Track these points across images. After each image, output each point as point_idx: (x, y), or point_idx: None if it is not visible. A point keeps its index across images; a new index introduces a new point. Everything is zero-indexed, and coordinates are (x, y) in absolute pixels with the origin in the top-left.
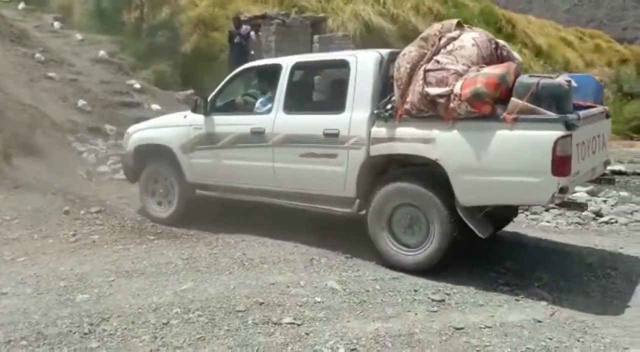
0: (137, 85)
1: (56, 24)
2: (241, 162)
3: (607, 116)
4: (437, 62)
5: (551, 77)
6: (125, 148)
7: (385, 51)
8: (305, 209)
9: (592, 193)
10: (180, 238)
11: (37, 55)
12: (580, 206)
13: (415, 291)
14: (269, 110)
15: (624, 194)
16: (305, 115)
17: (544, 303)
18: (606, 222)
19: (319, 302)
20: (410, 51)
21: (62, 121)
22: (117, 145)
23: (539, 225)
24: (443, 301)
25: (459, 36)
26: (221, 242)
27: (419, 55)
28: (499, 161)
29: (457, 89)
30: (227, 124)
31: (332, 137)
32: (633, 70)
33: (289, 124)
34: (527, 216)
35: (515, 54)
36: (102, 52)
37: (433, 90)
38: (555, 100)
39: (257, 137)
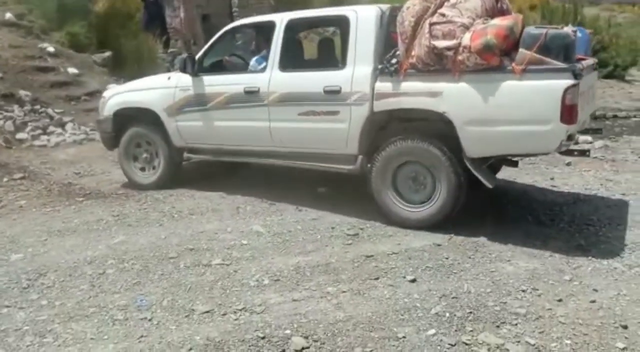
0: (51, 49)
1: None
2: (234, 123)
3: (595, 68)
4: (443, 15)
5: (557, 28)
6: (102, 113)
7: (385, 6)
8: (305, 168)
9: None
10: (109, 197)
11: None
12: (584, 153)
13: (333, 228)
14: (263, 69)
15: None
16: (303, 72)
17: (443, 230)
18: None
19: (246, 244)
20: (414, 5)
21: None
22: (33, 111)
23: None
24: (357, 235)
25: None
26: (150, 198)
27: (423, 8)
28: (508, 111)
29: (465, 41)
30: (218, 84)
31: (333, 94)
32: (538, 17)
33: (286, 82)
34: None
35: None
36: (8, 15)
37: (440, 43)
38: (563, 51)
39: (251, 96)
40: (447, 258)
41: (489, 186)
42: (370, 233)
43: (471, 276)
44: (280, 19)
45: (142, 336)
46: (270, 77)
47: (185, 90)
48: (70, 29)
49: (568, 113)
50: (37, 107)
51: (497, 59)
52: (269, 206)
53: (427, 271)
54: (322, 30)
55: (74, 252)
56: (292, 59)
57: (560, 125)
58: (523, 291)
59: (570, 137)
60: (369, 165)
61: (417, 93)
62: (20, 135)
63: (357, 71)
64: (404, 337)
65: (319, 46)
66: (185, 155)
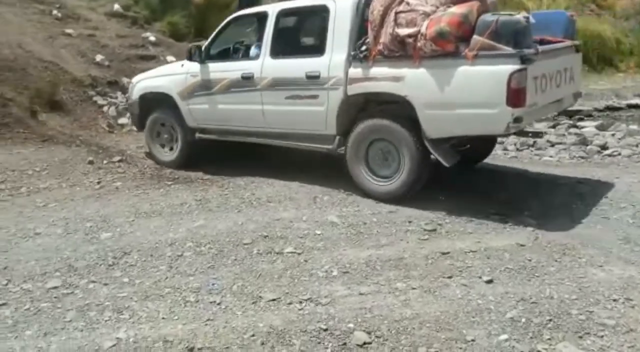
0: (152, 38)
1: None
2: (234, 106)
3: (577, 50)
4: (407, 4)
5: (511, 14)
6: (131, 97)
7: None
8: (293, 147)
9: (601, 128)
10: (195, 182)
11: (54, 12)
12: (537, 134)
13: (410, 222)
14: (257, 56)
15: (633, 127)
16: (289, 59)
17: (529, 229)
18: (609, 155)
19: (319, 234)
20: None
21: (82, 76)
22: None
23: (542, 160)
24: (434, 230)
25: None
26: (232, 185)
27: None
28: (461, 95)
29: (423, 29)
30: (221, 70)
31: (313, 78)
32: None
33: (275, 68)
34: (531, 151)
35: None
36: (116, 6)
37: (403, 31)
38: (513, 36)
39: (247, 82)
40: (530, 260)
41: (446, 164)
42: (449, 229)
43: (555, 281)
44: (272, 9)
45: (209, 319)
46: (263, 63)
47: (195, 76)
48: (171, 19)
49: (514, 97)
50: None
51: (451, 45)
52: (346, 196)
53: (506, 272)
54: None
55: (157, 233)
56: (282, 46)
57: (507, 109)
58: (614, 300)
59: (517, 120)
60: (345, 144)
61: (383, 78)
62: (121, 121)
63: (334, 58)
64: (472, 340)
65: (305, 33)
66: (197, 135)
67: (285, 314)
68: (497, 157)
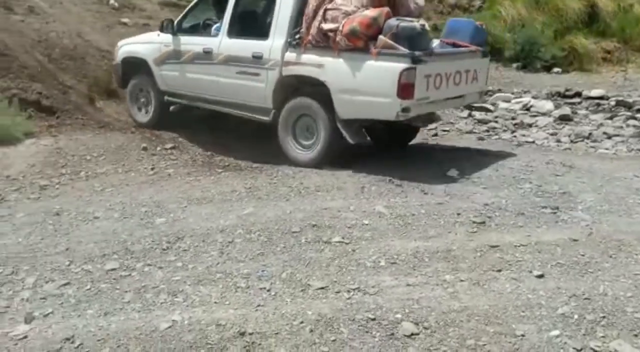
0: None
1: None
2: (197, 76)
3: (485, 55)
4: (335, 2)
5: (412, 21)
6: (115, 59)
7: None
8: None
9: None
10: (244, 170)
11: (111, 1)
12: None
13: (458, 214)
14: (217, 34)
15: None
16: (241, 39)
17: (583, 224)
18: None
19: (367, 224)
20: None
21: None
22: None
23: (597, 152)
24: (484, 223)
25: None
26: (281, 173)
27: None
28: (365, 85)
29: (341, 26)
30: (188, 43)
31: (257, 59)
32: None
33: (230, 47)
34: (586, 143)
35: (415, 1)
36: None
37: (327, 26)
38: (409, 40)
39: (208, 56)
40: (583, 255)
41: (350, 141)
42: (499, 222)
43: (610, 277)
44: None
45: (259, 305)
46: (221, 41)
47: (167, 46)
48: None
49: (403, 90)
50: None
51: (361, 42)
52: (395, 187)
53: (558, 267)
54: None
55: (208, 220)
56: (236, 28)
57: (397, 99)
58: None
59: (405, 110)
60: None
61: (310, 64)
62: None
63: (275, 42)
64: (522, 335)
65: (255, 17)
66: (166, 98)
67: (333, 302)
68: (550, 149)
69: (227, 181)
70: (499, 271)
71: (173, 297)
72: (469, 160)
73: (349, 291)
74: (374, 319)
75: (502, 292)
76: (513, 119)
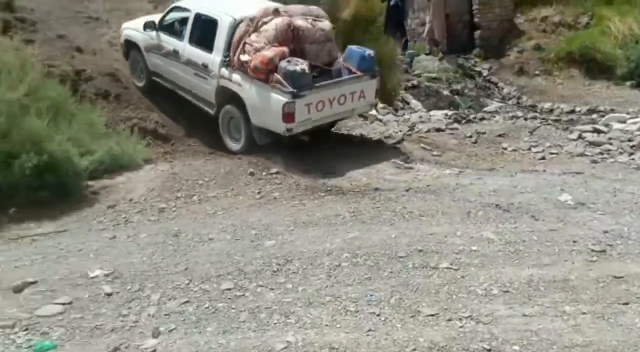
0: None
1: None
2: (170, 67)
3: (373, 77)
4: (251, 38)
5: (297, 64)
6: (120, 38)
7: (240, 15)
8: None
9: None
10: (347, 194)
11: None
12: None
13: (574, 242)
14: (182, 39)
15: None
16: (197, 48)
17: None
18: None
19: (475, 250)
20: (241, 26)
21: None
22: None
23: None
24: (604, 251)
25: (270, 20)
26: (383, 197)
27: (246, 30)
28: (265, 106)
29: (250, 60)
30: (165, 41)
31: (205, 67)
32: None
33: (190, 52)
34: None
35: (321, 27)
36: None
37: (243, 57)
38: (292, 79)
39: (176, 54)
40: None
41: (258, 143)
42: (621, 251)
43: None
44: (193, 9)
45: (370, 330)
46: (184, 46)
47: (152, 39)
48: None
49: (286, 117)
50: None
51: (263, 75)
52: (502, 212)
53: None
54: None
55: (315, 243)
56: (195, 37)
57: (282, 122)
58: None
59: (289, 130)
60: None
61: (234, 82)
62: None
63: (215, 57)
64: None
65: (206, 33)
66: (152, 77)
67: (445, 330)
68: None
69: (330, 204)
70: (626, 304)
71: (286, 318)
72: (583, 185)
73: (461, 319)
74: (489, 350)
75: (631, 327)
76: (630, 140)
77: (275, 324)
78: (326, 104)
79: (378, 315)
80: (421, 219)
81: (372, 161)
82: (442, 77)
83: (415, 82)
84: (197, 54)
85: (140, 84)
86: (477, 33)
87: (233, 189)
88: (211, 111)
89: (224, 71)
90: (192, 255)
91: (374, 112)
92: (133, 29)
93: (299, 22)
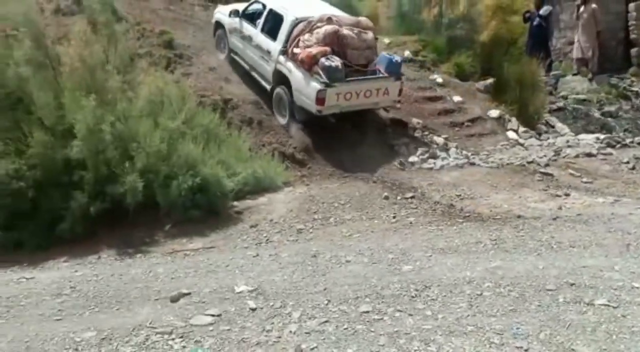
0: (439, 80)
1: None
2: (245, 48)
3: (397, 79)
4: (305, 37)
5: (333, 61)
6: (213, 19)
7: (302, 15)
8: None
9: None
10: (487, 221)
11: None
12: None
13: None
14: (257, 27)
15: None
16: (265, 37)
17: None
18: None
19: (637, 287)
20: (300, 26)
21: (378, 118)
22: (423, 137)
23: None
24: None
25: (322, 26)
26: (527, 226)
27: (303, 29)
28: (305, 90)
29: (300, 53)
30: (244, 27)
31: (268, 53)
32: None
33: (260, 39)
34: None
35: (364, 38)
36: (407, 53)
37: (296, 50)
38: (327, 73)
39: (250, 39)
40: None
41: (297, 119)
42: None
43: None
44: (268, 6)
45: None
46: (257, 33)
47: (235, 24)
48: (457, 60)
49: (317, 101)
50: (426, 133)
51: (307, 66)
52: None
53: None
54: None
55: (454, 270)
56: (264, 28)
57: (315, 104)
58: None
59: (319, 111)
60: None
61: (287, 68)
62: (411, 159)
63: (277, 45)
64: None
65: (274, 25)
66: (231, 54)
67: None
68: None
69: (469, 231)
70: None
71: (426, 346)
72: None
73: None
74: None
75: None
76: None
77: (415, 350)
78: (353, 95)
79: (526, 350)
80: (572, 250)
81: (513, 187)
82: (592, 99)
83: (560, 105)
84: (265, 41)
85: (222, 56)
86: (634, 51)
87: (368, 213)
88: (268, 87)
89: (281, 58)
90: (331, 276)
91: (515, 136)
92: (222, 13)
93: (345, 31)
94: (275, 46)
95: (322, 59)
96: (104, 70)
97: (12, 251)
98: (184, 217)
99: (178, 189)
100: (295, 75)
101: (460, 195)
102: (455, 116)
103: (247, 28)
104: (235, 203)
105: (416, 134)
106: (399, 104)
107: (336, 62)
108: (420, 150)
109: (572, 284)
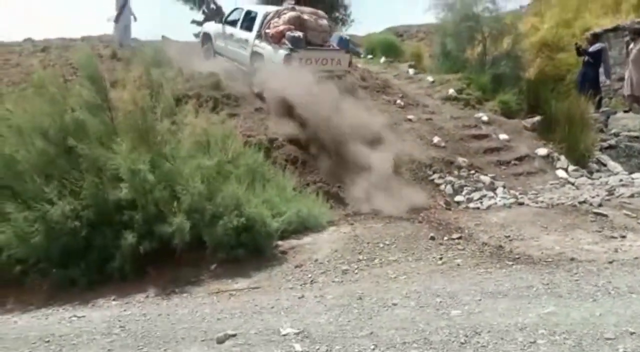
0: (485, 118)
1: (410, 71)
2: (227, 46)
3: (347, 52)
4: (274, 21)
5: (295, 33)
6: (200, 33)
7: (273, 8)
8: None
9: None
10: (538, 264)
11: (398, 100)
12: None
13: None
14: (236, 26)
15: None
16: (244, 31)
17: None
18: None
19: None
20: (269, 14)
21: (421, 157)
22: (469, 176)
23: None
24: None
25: (287, 12)
26: (582, 269)
27: (272, 16)
28: (275, 58)
29: (270, 32)
30: (226, 29)
31: (246, 41)
32: None
33: (239, 33)
34: None
35: (320, 23)
36: (451, 91)
37: (267, 31)
38: (291, 42)
39: (232, 36)
40: None
41: None
42: None
43: None
44: (245, 8)
45: None
46: (237, 30)
47: (219, 29)
48: (502, 97)
49: (284, 61)
50: (472, 172)
51: (276, 40)
52: None
53: None
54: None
55: (505, 315)
56: (243, 25)
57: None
58: None
59: None
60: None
61: (261, 47)
62: (457, 198)
63: (253, 34)
64: None
65: (251, 20)
66: (215, 54)
67: None
68: None
69: (520, 274)
70: None
71: None
72: None
73: None
74: None
75: None
76: None
77: None
78: (313, 62)
79: None
80: (631, 296)
81: (564, 228)
82: None
83: (612, 142)
84: (244, 33)
85: (208, 60)
86: None
87: (414, 254)
88: (247, 69)
89: (256, 41)
90: (377, 320)
91: (564, 174)
92: (208, 26)
93: (306, 16)
94: (251, 35)
95: (288, 32)
96: (153, 112)
97: (66, 288)
98: (229, 257)
99: (223, 229)
100: (267, 49)
101: (509, 236)
102: (501, 154)
103: (229, 29)
104: (280, 242)
105: (462, 173)
106: (348, 74)
107: (298, 33)
108: (466, 190)
109: (632, 333)
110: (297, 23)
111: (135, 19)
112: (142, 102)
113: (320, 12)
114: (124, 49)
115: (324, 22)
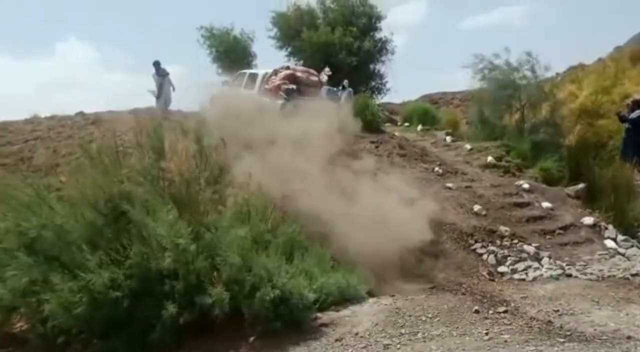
0: (526, 185)
1: (448, 138)
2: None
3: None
4: (272, 78)
5: (289, 86)
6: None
7: (268, 71)
8: None
9: None
10: (592, 342)
11: (436, 168)
12: None
13: None
14: (241, 87)
15: None
16: (249, 88)
17: None
18: None
19: None
20: (268, 74)
21: (462, 226)
22: (512, 245)
23: None
24: None
25: (282, 71)
26: None
27: (271, 75)
28: (274, 106)
29: (269, 87)
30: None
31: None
32: None
33: (244, 92)
34: None
35: (312, 79)
36: (489, 158)
37: (267, 86)
38: (286, 93)
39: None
40: None
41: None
42: None
43: None
44: (248, 72)
45: None
46: (242, 90)
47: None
48: (543, 164)
49: (281, 110)
50: (515, 241)
51: (274, 92)
52: None
53: None
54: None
55: None
56: (247, 85)
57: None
58: None
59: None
60: None
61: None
62: (501, 269)
63: (255, 91)
64: None
65: (254, 79)
66: None
67: None
68: None
69: None
70: None
71: None
72: None
73: None
74: None
75: None
76: None
77: None
78: (299, 107)
79: None
80: None
81: (617, 302)
82: None
83: None
84: (247, 92)
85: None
86: None
87: (458, 328)
88: None
89: (260, 94)
90: None
91: (613, 244)
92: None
93: (299, 74)
94: (254, 92)
95: (283, 86)
96: (197, 183)
97: None
98: (268, 329)
99: (261, 300)
100: (268, 101)
101: (558, 310)
102: (545, 223)
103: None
104: (319, 315)
105: (505, 242)
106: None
107: (292, 86)
108: (510, 260)
109: None
110: (292, 79)
111: (174, 89)
112: (187, 173)
113: (312, 71)
114: (168, 121)
115: (316, 78)
